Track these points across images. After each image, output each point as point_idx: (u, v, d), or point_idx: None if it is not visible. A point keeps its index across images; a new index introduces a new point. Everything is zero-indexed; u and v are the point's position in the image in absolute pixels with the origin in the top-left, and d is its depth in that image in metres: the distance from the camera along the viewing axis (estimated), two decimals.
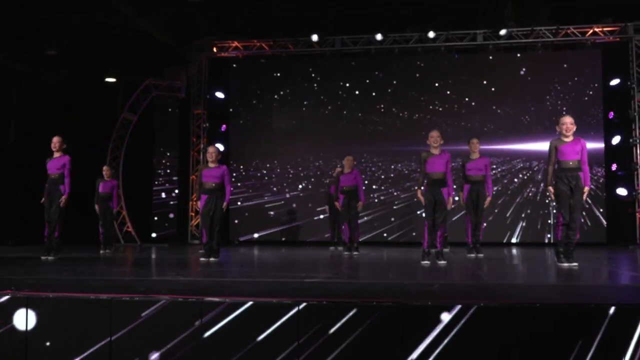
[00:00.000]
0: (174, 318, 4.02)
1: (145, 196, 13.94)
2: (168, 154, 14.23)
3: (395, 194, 13.79)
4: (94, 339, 4.03)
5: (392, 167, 13.88)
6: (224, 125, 14.54)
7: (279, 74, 14.45)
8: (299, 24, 13.51)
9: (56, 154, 8.55)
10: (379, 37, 13.40)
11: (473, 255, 9.02)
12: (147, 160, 14.14)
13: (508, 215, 13.09)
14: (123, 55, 13.99)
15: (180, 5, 12.51)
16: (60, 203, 8.40)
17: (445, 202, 7.66)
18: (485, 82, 13.70)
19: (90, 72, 14.26)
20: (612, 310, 3.71)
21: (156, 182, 14.07)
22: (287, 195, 14.00)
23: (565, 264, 6.85)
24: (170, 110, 14.32)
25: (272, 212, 14.12)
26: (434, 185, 7.70)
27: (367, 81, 14.12)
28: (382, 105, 14.01)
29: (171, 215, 14.05)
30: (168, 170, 14.19)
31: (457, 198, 9.97)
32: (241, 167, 14.35)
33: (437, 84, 13.88)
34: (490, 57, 13.75)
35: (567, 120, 6.94)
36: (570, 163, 6.80)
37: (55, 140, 8.54)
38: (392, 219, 13.69)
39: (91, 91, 14.29)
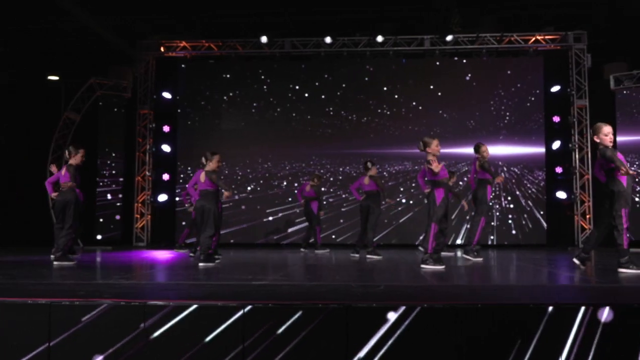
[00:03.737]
0: (116, 322, 3.92)
1: (89, 197, 13.58)
2: (113, 154, 13.92)
3: (343, 196, 13.87)
4: (31, 345, 3.91)
5: (341, 169, 13.95)
6: (167, 127, 14.29)
7: (228, 75, 14.34)
8: (249, 25, 13.46)
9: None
10: (328, 40, 13.48)
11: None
12: (90, 161, 13.77)
13: (453, 217, 13.32)
14: (66, 54, 13.64)
15: (128, 4, 12.30)
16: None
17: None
18: (432, 86, 13.95)
19: (32, 70, 13.84)
20: (550, 309, 3.81)
21: (100, 184, 13.74)
22: (236, 197, 13.89)
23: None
24: (115, 110, 14.02)
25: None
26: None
27: (317, 84, 14.17)
28: (330, 108, 14.09)
29: (117, 217, 13.75)
30: (113, 172, 13.88)
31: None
32: (189, 168, 14.17)
33: (385, 88, 14.05)
34: (437, 62, 14.00)
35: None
36: None
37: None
38: (341, 221, 13.76)
39: (33, 90, 13.87)
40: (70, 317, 3.94)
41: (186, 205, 11.15)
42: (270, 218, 13.89)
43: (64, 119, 13.42)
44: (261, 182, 14.06)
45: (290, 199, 13.85)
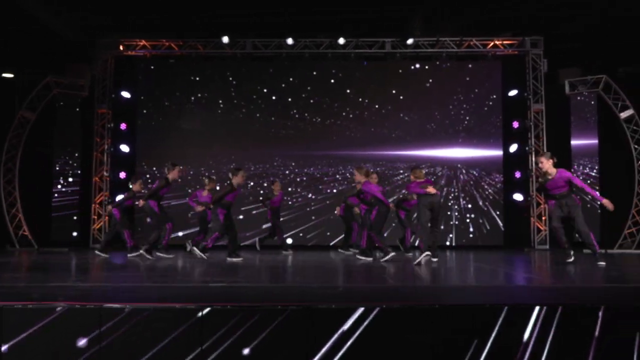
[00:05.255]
0: (71, 326, 3.85)
1: (44, 198, 13.27)
2: (70, 154, 13.60)
3: (309, 196, 13.84)
4: None
5: (305, 170, 13.92)
6: (126, 126, 14.06)
7: (188, 75, 14.16)
8: (211, 25, 13.32)
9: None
10: (289, 41, 13.45)
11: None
12: (47, 161, 13.46)
13: (412, 219, 13.43)
14: (22, 51, 13.28)
15: (86, 2, 12.07)
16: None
17: None
18: (392, 89, 14.03)
19: None
20: (505, 310, 3.88)
21: (57, 184, 13.41)
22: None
23: None
24: (72, 109, 13.69)
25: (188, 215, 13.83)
26: None
27: (279, 85, 14.10)
28: (291, 109, 14.05)
29: (75, 217, 13.47)
30: (70, 172, 13.56)
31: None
32: (149, 168, 13.97)
33: (347, 90, 14.07)
34: (398, 65, 14.09)
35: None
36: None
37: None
38: (308, 222, 13.75)
39: None
40: (23, 321, 3.86)
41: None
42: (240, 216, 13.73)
43: (18, 118, 13.06)
44: (223, 183, 13.92)
45: (251, 199, 13.76)
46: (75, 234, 13.42)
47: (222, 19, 13.22)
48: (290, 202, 13.76)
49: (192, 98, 14.14)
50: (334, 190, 13.77)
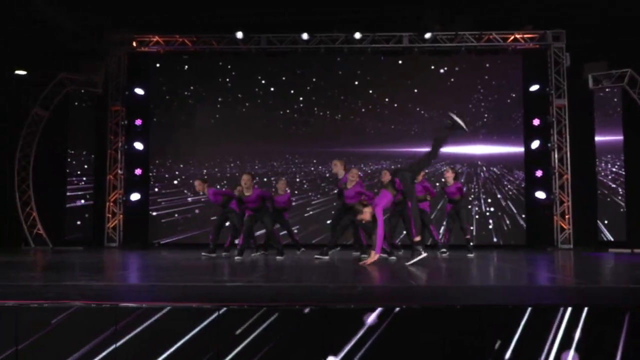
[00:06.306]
0: (87, 325, 3.80)
1: (58, 196, 13.26)
2: (84, 152, 13.58)
3: (317, 196, 13.72)
4: None
5: (312, 169, 13.79)
6: (140, 124, 14.01)
7: (202, 71, 14.08)
8: (225, 20, 13.23)
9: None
10: (305, 36, 13.34)
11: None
12: (60, 159, 13.44)
13: (432, 217, 13.25)
14: (35, 48, 13.25)
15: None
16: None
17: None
18: (410, 84, 13.84)
19: None
20: (529, 310, 3.77)
21: (71, 182, 13.40)
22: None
23: None
24: (86, 106, 13.68)
25: (189, 215, 13.77)
26: None
27: (292, 81, 13.98)
28: (306, 106, 13.91)
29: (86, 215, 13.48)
30: (84, 170, 13.53)
31: None
32: (162, 166, 13.92)
33: (363, 86, 13.89)
34: (416, 60, 13.88)
35: None
36: None
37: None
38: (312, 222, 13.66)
39: None
40: (39, 320, 3.81)
41: None
42: None
43: (32, 115, 13.04)
44: (233, 181, 13.81)
45: None
46: (89, 232, 13.42)
47: (236, 18, 13.11)
48: (300, 202, 13.64)
49: (206, 94, 14.06)
50: None
